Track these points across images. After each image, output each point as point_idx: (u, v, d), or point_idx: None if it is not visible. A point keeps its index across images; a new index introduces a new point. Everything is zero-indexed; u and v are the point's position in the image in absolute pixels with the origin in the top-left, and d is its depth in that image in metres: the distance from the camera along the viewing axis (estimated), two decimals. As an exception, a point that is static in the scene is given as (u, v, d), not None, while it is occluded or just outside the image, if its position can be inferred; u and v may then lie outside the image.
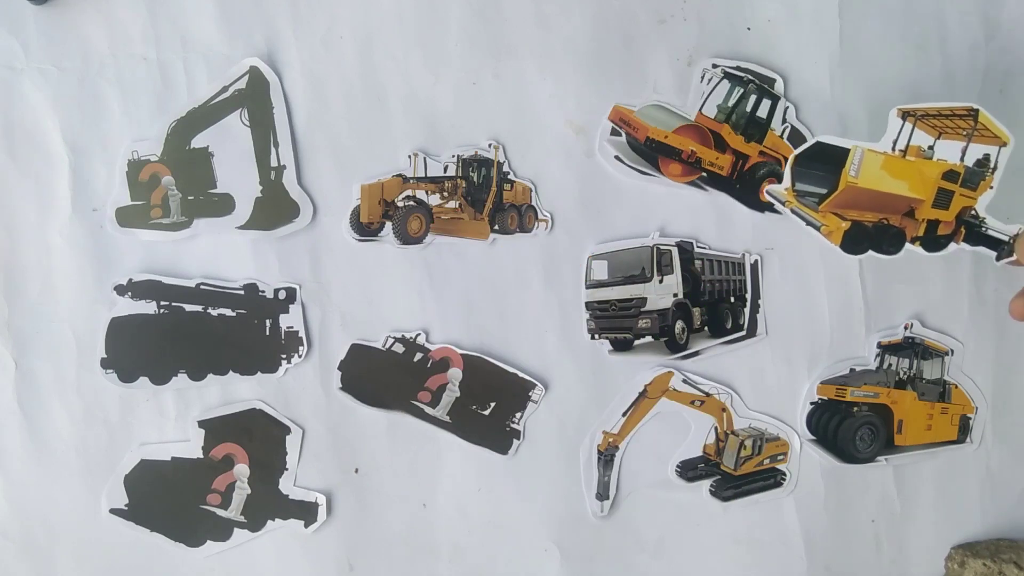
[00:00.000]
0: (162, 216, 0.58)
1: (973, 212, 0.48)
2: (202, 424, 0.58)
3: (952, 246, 0.50)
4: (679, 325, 0.60)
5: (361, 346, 0.59)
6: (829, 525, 0.62)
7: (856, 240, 0.49)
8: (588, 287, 0.60)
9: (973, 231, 0.48)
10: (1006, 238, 0.48)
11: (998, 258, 0.49)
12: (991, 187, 0.48)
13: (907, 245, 0.50)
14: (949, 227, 0.49)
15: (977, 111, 0.48)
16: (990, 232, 0.48)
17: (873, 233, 0.49)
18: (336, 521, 0.60)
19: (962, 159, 0.48)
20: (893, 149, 0.49)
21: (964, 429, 0.63)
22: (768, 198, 0.52)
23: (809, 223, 0.50)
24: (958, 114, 0.48)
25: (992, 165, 0.48)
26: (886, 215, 0.49)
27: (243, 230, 0.58)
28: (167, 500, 0.58)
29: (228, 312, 0.58)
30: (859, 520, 0.62)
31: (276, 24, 0.58)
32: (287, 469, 0.59)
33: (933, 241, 0.49)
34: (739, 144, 0.60)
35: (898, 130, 0.49)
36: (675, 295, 0.60)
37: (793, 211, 0.50)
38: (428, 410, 0.60)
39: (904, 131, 0.49)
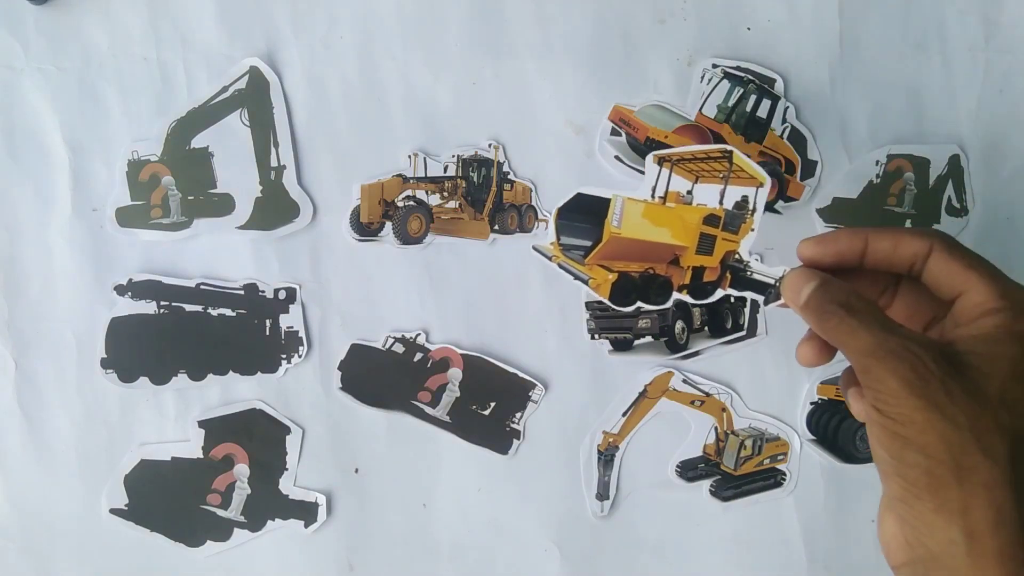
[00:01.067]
0: (162, 216, 0.58)
1: (737, 256, 0.47)
2: (202, 424, 0.58)
3: (719, 292, 0.48)
4: (679, 325, 0.60)
5: (361, 346, 0.59)
6: (829, 525, 0.62)
7: (624, 292, 0.48)
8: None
9: (739, 276, 0.47)
10: (772, 281, 0.46)
11: (766, 302, 0.47)
12: (752, 229, 0.46)
13: (674, 294, 0.48)
14: (715, 273, 0.47)
15: (731, 152, 0.46)
16: (756, 276, 0.46)
17: (640, 284, 0.48)
18: (336, 521, 0.60)
19: (721, 202, 0.46)
20: (653, 196, 0.47)
21: (964, 429, 0.62)
22: (536, 253, 0.50)
23: (577, 277, 0.48)
24: (712, 156, 0.46)
25: (751, 207, 0.46)
26: (651, 264, 0.48)
27: (243, 230, 0.58)
28: (167, 500, 0.58)
29: (228, 312, 0.58)
30: (859, 520, 0.62)
31: (276, 24, 0.58)
32: (287, 469, 0.59)
33: (700, 289, 0.47)
34: (739, 144, 0.60)
35: (656, 176, 0.47)
36: (675, 295, 0.60)
37: (560, 266, 0.48)
38: (428, 410, 0.60)
39: (662, 177, 0.47)
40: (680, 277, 0.47)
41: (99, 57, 0.57)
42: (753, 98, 0.59)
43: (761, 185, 0.45)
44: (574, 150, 0.59)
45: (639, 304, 0.49)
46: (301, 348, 0.59)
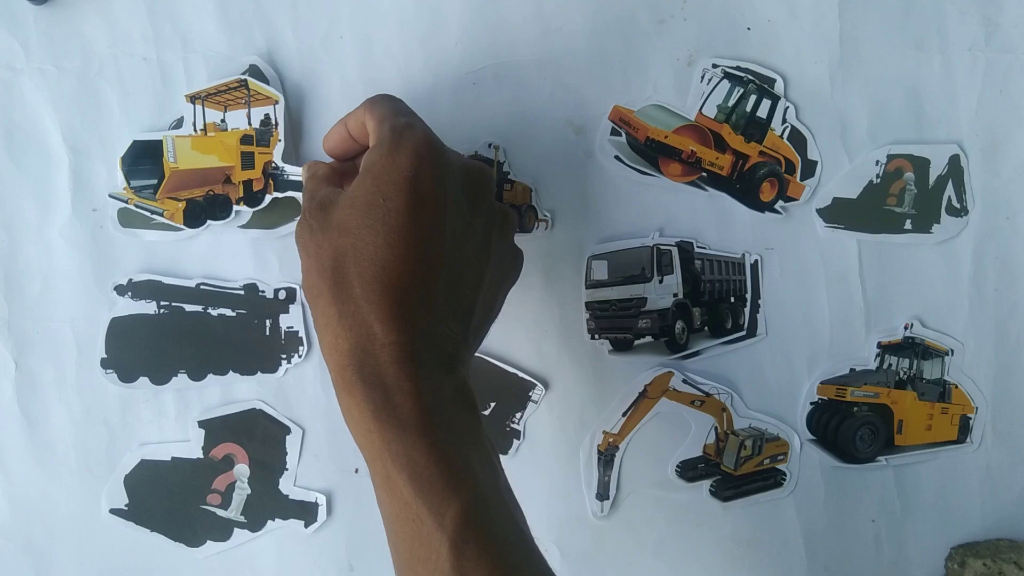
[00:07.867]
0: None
1: (274, 165, 0.56)
2: (202, 424, 0.58)
3: (268, 197, 0.57)
4: (679, 325, 0.60)
5: (361, 346, 0.59)
6: (829, 525, 0.62)
7: (194, 215, 0.57)
8: (588, 287, 0.60)
9: (279, 180, 0.57)
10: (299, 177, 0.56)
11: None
12: (280, 140, 0.56)
13: (235, 207, 0.57)
14: (261, 183, 0.57)
15: (245, 80, 0.56)
16: (291, 178, 0.56)
17: (205, 205, 0.57)
18: (336, 521, 0.60)
19: (249, 123, 0.56)
20: (195, 130, 0.56)
21: (964, 429, 0.63)
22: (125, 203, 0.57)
23: (153, 212, 0.56)
24: (232, 87, 0.56)
25: (274, 121, 0.56)
26: (210, 187, 0.57)
27: (244, 229, 0.58)
28: (167, 500, 0.58)
29: (228, 312, 0.58)
30: (859, 520, 0.62)
31: (276, 24, 0.58)
32: (287, 469, 0.59)
33: (252, 197, 0.57)
34: (739, 144, 0.60)
35: (193, 113, 0.56)
36: (675, 295, 0.60)
37: (137, 206, 0.56)
38: (428, 410, 0.60)
39: (198, 113, 0.56)
40: (235, 192, 0.56)
41: (99, 57, 0.57)
42: (753, 98, 0.59)
43: (277, 102, 0.56)
44: (574, 150, 0.59)
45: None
46: (301, 348, 0.59)
